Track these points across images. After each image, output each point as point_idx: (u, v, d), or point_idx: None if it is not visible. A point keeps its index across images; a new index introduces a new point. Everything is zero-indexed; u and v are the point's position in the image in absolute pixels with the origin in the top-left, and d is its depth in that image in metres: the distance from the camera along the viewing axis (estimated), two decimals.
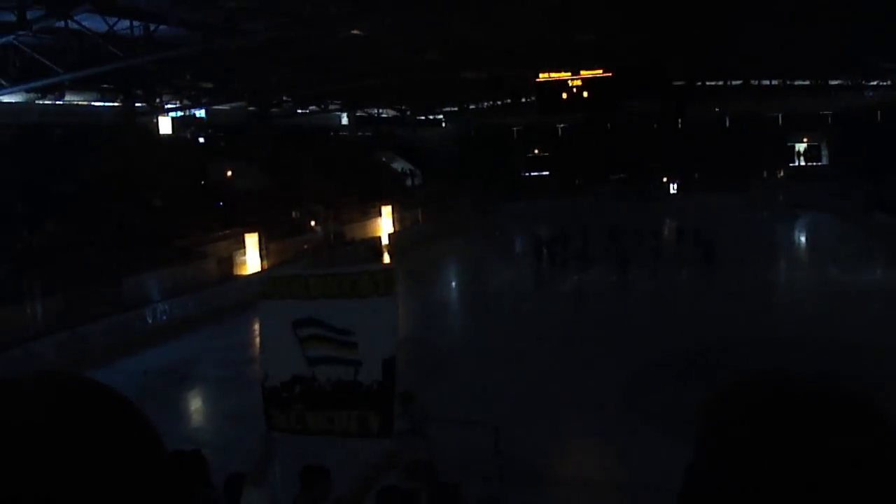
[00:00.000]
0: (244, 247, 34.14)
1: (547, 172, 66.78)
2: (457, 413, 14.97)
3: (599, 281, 32.01)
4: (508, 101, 55.58)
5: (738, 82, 51.41)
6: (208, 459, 6.87)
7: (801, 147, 62.40)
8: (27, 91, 30.47)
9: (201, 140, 44.84)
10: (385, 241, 44.41)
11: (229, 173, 41.27)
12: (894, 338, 19.20)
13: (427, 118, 65.40)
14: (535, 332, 23.53)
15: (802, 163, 62.15)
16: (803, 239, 46.06)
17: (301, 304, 4.87)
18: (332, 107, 52.16)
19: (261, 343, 5.25)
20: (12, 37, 20.71)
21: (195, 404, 19.91)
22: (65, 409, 0.78)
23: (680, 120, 61.80)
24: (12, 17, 18.65)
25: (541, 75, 37.89)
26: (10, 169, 30.11)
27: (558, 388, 17.58)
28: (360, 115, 59.58)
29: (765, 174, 59.37)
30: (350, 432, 5.09)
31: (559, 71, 37.36)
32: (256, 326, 25.85)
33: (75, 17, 19.54)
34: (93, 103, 36.75)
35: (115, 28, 21.52)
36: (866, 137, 53.17)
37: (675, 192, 60.04)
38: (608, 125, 62.51)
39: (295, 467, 6.55)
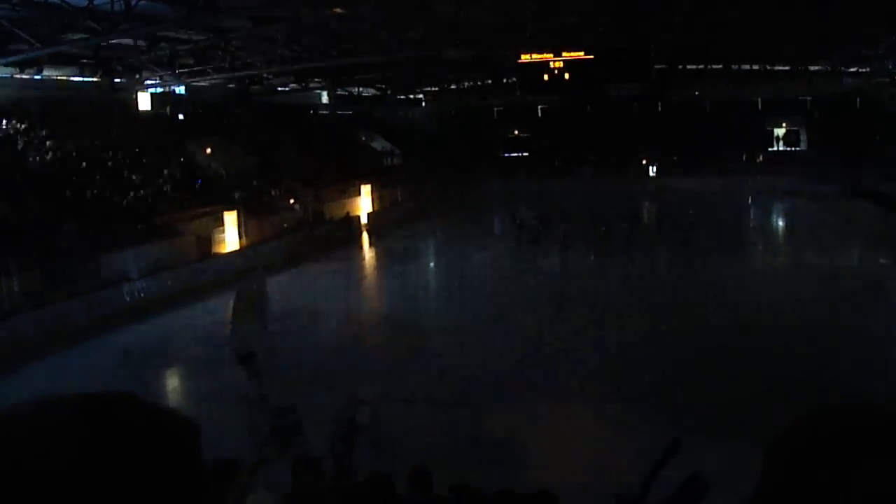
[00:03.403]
0: (223, 225, 33.99)
1: (526, 153, 66.77)
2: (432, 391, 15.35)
3: (575, 264, 31.92)
4: (490, 81, 55.59)
5: (719, 66, 51.59)
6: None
7: (780, 132, 62.79)
8: (4, 65, 30.15)
9: (181, 117, 44.50)
10: (364, 220, 44.36)
11: (209, 151, 41.01)
12: None
13: (408, 98, 65.19)
14: (508, 311, 24.06)
15: (781, 147, 62.57)
16: (781, 224, 46.31)
17: None
18: (312, 85, 51.87)
19: None
20: None
21: (173, 383, 19.88)
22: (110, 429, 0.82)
23: (660, 103, 62.01)
24: None
25: (522, 56, 37.83)
26: None
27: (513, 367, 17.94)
28: (340, 94, 59.38)
29: (744, 158, 59.72)
30: None
31: (541, 52, 37.28)
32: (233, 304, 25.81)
33: None
34: (72, 78, 36.39)
35: (94, 3, 21.28)
36: (845, 123, 53.65)
37: (654, 174, 60.28)
38: (588, 107, 62.59)
39: None
